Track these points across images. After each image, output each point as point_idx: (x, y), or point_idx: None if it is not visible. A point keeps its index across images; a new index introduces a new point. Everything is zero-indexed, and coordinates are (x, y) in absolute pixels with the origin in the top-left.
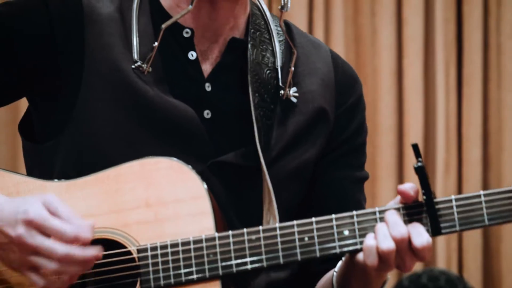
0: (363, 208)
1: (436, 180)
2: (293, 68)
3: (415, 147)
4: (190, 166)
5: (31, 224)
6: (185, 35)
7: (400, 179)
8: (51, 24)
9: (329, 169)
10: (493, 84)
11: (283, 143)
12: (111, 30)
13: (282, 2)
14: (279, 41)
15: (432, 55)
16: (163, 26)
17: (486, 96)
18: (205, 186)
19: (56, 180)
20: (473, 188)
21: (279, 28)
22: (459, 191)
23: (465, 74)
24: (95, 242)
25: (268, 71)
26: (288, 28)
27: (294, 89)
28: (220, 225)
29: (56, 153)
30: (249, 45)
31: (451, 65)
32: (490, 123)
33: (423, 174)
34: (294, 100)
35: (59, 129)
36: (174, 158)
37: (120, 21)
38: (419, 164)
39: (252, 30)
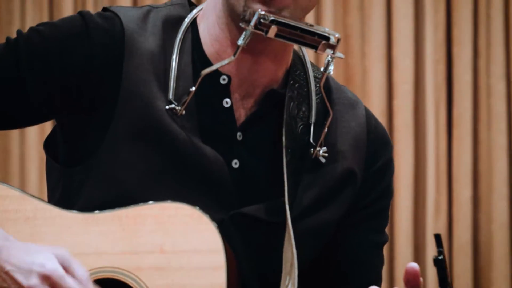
0: (379, 273)
1: (427, 221)
2: (326, 130)
3: (437, 237)
4: (210, 218)
5: (47, 279)
6: (222, 81)
7: (391, 219)
8: (92, 54)
9: (350, 230)
10: (483, 125)
11: (308, 201)
12: (149, 67)
13: (326, 64)
14: (317, 95)
15: (422, 96)
16: (203, 72)
17: (476, 137)
18: (222, 240)
19: (74, 211)
20: (463, 229)
21: (318, 80)
22: (450, 231)
23: (455, 115)
24: (103, 281)
25: (301, 126)
26: (327, 83)
27: (324, 148)
28: (233, 281)
29: (80, 182)
30: (287, 97)
31: (441, 106)
32: (480, 164)
33: (442, 268)
34: (323, 160)
35: (86, 158)
36: (197, 207)
37: (160, 58)
38: (440, 257)
39: (291, 82)
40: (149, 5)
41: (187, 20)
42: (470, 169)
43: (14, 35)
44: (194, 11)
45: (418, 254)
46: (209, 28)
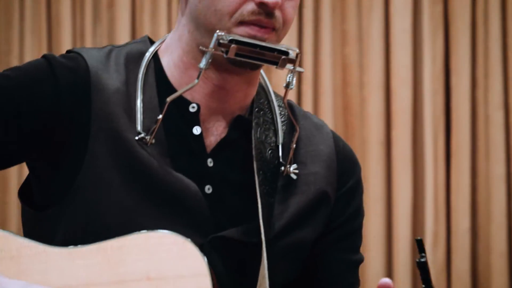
0: None
1: (425, 251)
2: (294, 145)
3: (419, 242)
4: (193, 243)
5: None
6: (191, 109)
7: (389, 250)
8: (59, 95)
9: (325, 250)
10: (482, 155)
11: (284, 222)
12: (116, 102)
13: (287, 80)
14: (282, 122)
15: (420, 126)
16: (168, 99)
17: (475, 167)
18: (207, 264)
19: (59, 246)
20: (462, 259)
21: (281, 109)
22: (448, 261)
23: (453, 145)
24: None
25: (270, 151)
26: (291, 108)
27: (294, 165)
28: None
29: (57, 221)
30: (253, 123)
31: (439, 136)
32: (479, 194)
33: (425, 270)
34: (294, 176)
35: (60, 197)
36: (179, 235)
37: (126, 93)
38: (422, 259)
39: (256, 109)
40: (111, 45)
41: (148, 54)
42: (468, 199)
43: (13, 65)
44: (155, 45)
45: (416, 285)
46: (175, 60)
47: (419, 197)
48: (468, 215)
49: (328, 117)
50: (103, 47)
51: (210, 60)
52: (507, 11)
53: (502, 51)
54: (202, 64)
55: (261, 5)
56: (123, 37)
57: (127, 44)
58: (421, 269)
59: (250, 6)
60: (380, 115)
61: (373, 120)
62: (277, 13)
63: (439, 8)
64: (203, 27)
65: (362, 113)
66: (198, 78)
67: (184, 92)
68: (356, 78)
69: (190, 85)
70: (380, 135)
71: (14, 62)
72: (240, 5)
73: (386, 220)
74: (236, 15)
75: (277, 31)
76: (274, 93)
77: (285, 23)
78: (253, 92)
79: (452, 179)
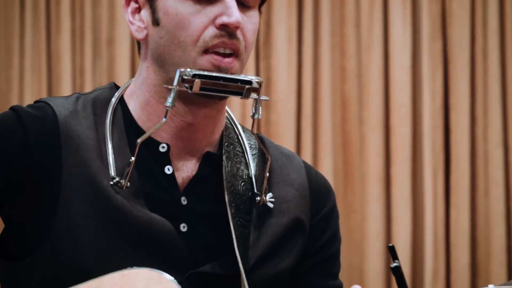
0: None
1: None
2: (267, 174)
3: (391, 249)
4: (169, 276)
5: None
6: (161, 149)
7: (389, 287)
8: (28, 144)
9: (303, 277)
10: (481, 192)
11: (260, 251)
12: (87, 146)
13: (253, 110)
14: (252, 154)
15: (419, 162)
16: (138, 141)
17: (474, 204)
18: None
19: None
20: None
21: (251, 142)
22: None
23: (452, 182)
24: None
25: (242, 183)
26: (261, 139)
27: (270, 194)
28: None
29: (34, 270)
30: (224, 157)
31: (438, 172)
32: (478, 230)
33: (399, 274)
34: (271, 205)
35: (36, 245)
36: (154, 269)
37: (95, 137)
38: (395, 264)
39: (226, 144)
40: (77, 93)
41: (114, 99)
42: (468, 235)
43: (13, 103)
44: (120, 90)
45: None
46: (142, 103)
47: (419, 234)
48: (467, 251)
49: (327, 154)
50: (70, 95)
51: (175, 98)
52: (506, 48)
53: (501, 88)
54: (168, 102)
55: (222, 27)
56: (123, 74)
57: (93, 91)
58: (396, 274)
59: (211, 31)
60: (379, 152)
61: (372, 157)
62: (239, 35)
63: (439, 45)
64: (168, 63)
65: (362, 150)
66: (165, 116)
67: (153, 132)
68: (356, 114)
69: (158, 125)
70: (379, 171)
71: (14, 100)
72: (202, 32)
73: (386, 256)
74: (199, 43)
75: (240, 57)
76: (242, 126)
77: (247, 47)
78: (221, 125)
79: (451, 216)
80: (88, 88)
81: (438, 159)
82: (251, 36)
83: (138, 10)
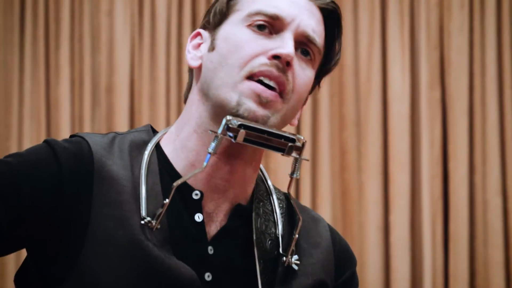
0: None
1: None
2: (297, 236)
3: None
4: None
5: None
6: (195, 197)
7: None
8: (61, 180)
9: None
10: (480, 241)
11: None
12: (120, 189)
13: (293, 169)
14: (280, 213)
15: (418, 211)
16: (174, 184)
17: (473, 252)
18: None
19: None
20: None
21: (280, 201)
22: None
23: (451, 231)
24: None
25: (269, 241)
26: (290, 203)
27: (296, 256)
28: None
29: None
30: (254, 214)
31: (437, 221)
32: (477, 279)
33: None
34: (296, 267)
35: (59, 281)
36: None
37: (129, 179)
38: None
39: (256, 200)
40: (114, 132)
41: (151, 144)
42: (467, 284)
43: (12, 150)
44: (158, 135)
45: None
46: (183, 140)
47: (418, 282)
48: None
49: (326, 202)
50: (107, 134)
51: (219, 145)
52: (504, 97)
53: (499, 136)
54: (211, 148)
55: (273, 58)
56: (121, 122)
57: (130, 132)
58: None
59: (262, 60)
60: (378, 200)
61: (371, 205)
62: (289, 75)
63: (437, 94)
64: (211, 87)
65: (360, 198)
66: (206, 162)
67: (191, 177)
68: (354, 163)
69: (197, 170)
70: (378, 220)
71: (13, 148)
72: (252, 58)
73: None
74: (246, 67)
75: (285, 98)
76: (273, 185)
77: (295, 92)
78: (253, 178)
79: (450, 264)
80: None
81: (436, 207)
82: (301, 84)
83: (200, 45)
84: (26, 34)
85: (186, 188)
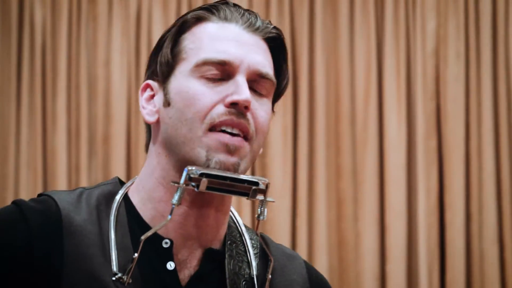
0: None
1: None
2: (270, 276)
3: None
4: None
5: None
6: (165, 245)
7: None
8: (30, 237)
9: None
10: None
11: None
12: (89, 243)
13: (259, 211)
14: (254, 254)
15: (415, 260)
16: (142, 237)
17: None
18: None
19: None
20: None
21: (253, 241)
22: None
23: (448, 280)
24: None
25: (244, 282)
26: (264, 240)
27: None
28: None
29: None
30: (227, 256)
31: (434, 270)
32: None
33: None
34: None
35: None
36: None
37: (98, 233)
38: None
39: (228, 242)
40: (81, 187)
41: (118, 195)
42: None
43: (9, 200)
44: (126, 185)
45: None
46: (148, 192)
47: None
48: None
49: (322, 251)
50: (74, 190)
51: (182, 196)
52: (500, 146)
53: (496, 185)
54: (175, 200)
55: (231, 106)
56: (118, 171)
57: (97, 185)
58: None
59: (220, 109)
60: (375, 250)
61: (368, 255)
62: (249, 117)
63: (433, 143)
64: (174, 143)
65: (357, 248)
66: (170, 214)
67: (157, 229)
68: (351, 212)
69: (163, 222)
70: (375, 269)
71: (9, 198)
72: (210, 109)
73: None
74: (207, 120)
75: (250, 141)
76: (245, 226)
77: (258, 133)
78: (224, 221)
79: None
80: (83, 185)
81: (433, 257)
82: (263, 122)
83: (152, 97)
84: (23, 83)
85: (156, 238)
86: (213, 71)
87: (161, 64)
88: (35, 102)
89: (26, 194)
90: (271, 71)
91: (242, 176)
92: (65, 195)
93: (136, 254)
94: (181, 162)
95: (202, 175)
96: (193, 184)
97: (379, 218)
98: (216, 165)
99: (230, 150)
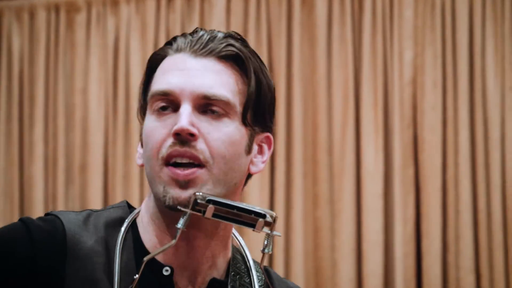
0: None
1: None
2: None
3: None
4: None
5: None
6: (165, 273)
7: None
8: (34, 255)
9: None
10: None
11: None
12: (93, 266)
13: (264, 244)
14: (259, 286)
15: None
16: (145, 259)
17: None
18: None
19: None
20: None
21: (259, 274)
22: None
23: None
24: None
25: None
26: (268, 273)
27: None
28: None
29: None
30: (229, 286)
31: None
32: None
33: None
34: None
35: None
36: None
37: (104, 255)
38: None
39: (232, 273)
40: (89, 209)
41: (127, 221)
42: None
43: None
44: (134, 212)
45: None
46: (145, 227)
47: None
48: None
49: (299, 280)
50: (81, 211)
51: (187, 221)
52: (477, 175)
53: (472, 215)
54: (180, 224)
55: (176, 136)
56: (95, 200)
57: (105, 209)
58: None
59: (169, 141)
60: (351, 279)
61: (344, 283)
62: (200, 144)
63: (410, 171)
64: (148, 181)
65: (334, 277)
66: (175, 238)
67: (160, 252)
68: (328, 241)
69: (167, 245)
70: None
71: None
72: (161, 144)
73: None
74: (160, 154)
75: (206, 167)
76: (253, 260)
77: (213, 153)
78: (220, 249)
79: None
80: None
81: (410, 286)
82: (219, 145)
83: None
84: (0, 111)
85: (157, 265)
86: (161, 104)
87: (139, 106)
88: (12, 130)
89: (3, 222)
90: (222, 90)
91: (250, 207)
92: (72, 216)
93: (137, 275)
94: (155, 199)
95: (209, 201)
96: (200, 209)
97: (356, 247)
98: (169, 201)
99: (181, 184)
